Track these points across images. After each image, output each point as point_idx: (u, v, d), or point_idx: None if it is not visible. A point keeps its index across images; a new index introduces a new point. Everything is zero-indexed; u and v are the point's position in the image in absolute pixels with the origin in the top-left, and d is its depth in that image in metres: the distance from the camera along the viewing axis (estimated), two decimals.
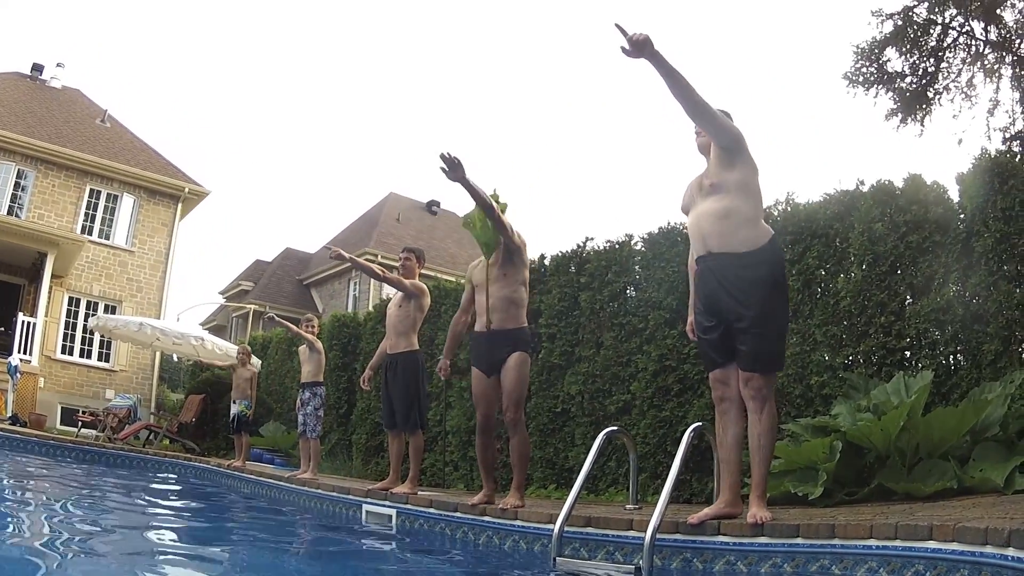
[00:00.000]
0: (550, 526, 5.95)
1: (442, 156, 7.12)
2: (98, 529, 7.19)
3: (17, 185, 28.42)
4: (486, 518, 7.19)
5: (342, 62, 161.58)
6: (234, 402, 15.29)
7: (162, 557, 5.90)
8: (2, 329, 26.57)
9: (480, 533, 7.22)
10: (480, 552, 6.98)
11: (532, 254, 10.77)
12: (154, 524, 8.13)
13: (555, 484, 11.01)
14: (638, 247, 10.88)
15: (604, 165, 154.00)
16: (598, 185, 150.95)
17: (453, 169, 7.19)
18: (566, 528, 5.78)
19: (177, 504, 11.19)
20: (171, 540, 7.12)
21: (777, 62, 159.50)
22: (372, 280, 38.07)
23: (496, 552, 6.85)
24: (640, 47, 5.13)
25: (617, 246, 11.09)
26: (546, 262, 11.96)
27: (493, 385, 7.69)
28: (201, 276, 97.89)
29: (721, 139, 5.64)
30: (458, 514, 7.58)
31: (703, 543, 5.36)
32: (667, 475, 5.58)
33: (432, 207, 49.20)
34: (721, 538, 5.27)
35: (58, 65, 35.87)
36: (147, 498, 11.25)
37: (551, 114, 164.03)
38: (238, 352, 16.17)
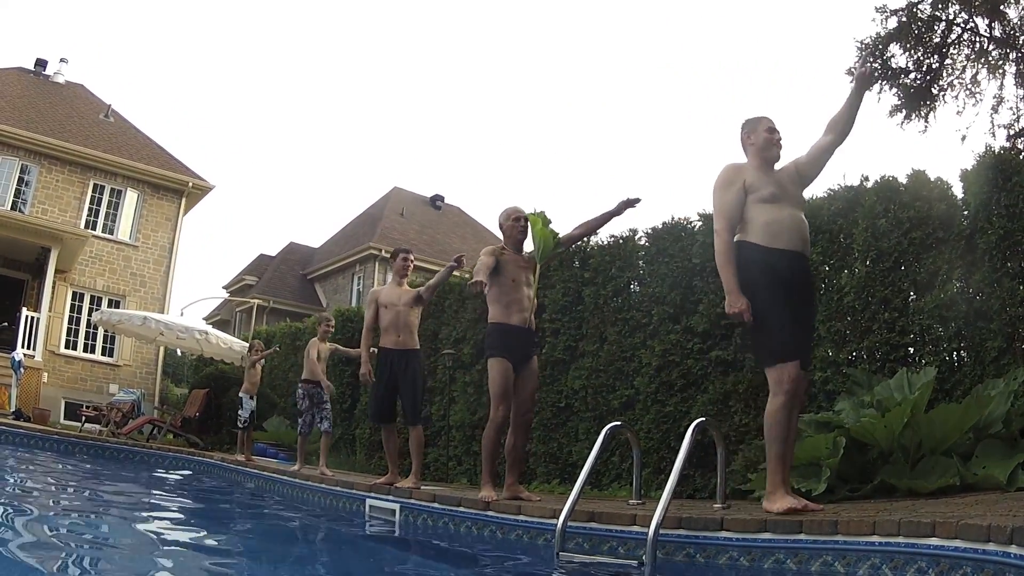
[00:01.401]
0: (553, 521, 5.96)
1: (635, 200, 7.88)
2: (102, 524, 7.22)
3: (20, 180, 28.42)
4: (489, 513, 7.20)
5: (346, 56, 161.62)
6: (250, 397, 15.15)
7: (166, 552, 5.92)
8: (5, 324, 26.58)
9: (483, 528, 7.23)
10: (484, 547, 6.99)
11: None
12: (158, 519, 8.14)
13: (558, 479, 11.03)
14: (642, 242, 10.90)
15: (605, 162, 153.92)
16: (599, 181, 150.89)
17: (625, 208, 7.94)
18: (569, 523, 5.79)
19: (181, 499, 11.21)
20: (175, 535, 7.14)
21: (780, 57, 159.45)
22: (375, 275, 38.14)
23: (500, 547, 6.87)
24: (867, 79, 5.90)
25: (621, 241, 11.11)
26: None
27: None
28: (205, 271, 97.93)
29: (818, 173, 6.13)
30: (461, 509, 7.59)
31: (706, 539, 5.37)
32: (670, 470, 5.60)
33: (436, 202, 49.16)
34: (724, 534, 5.29)
35: (61, 60, 35.88)
36: (151, 493, 11.28)
37: (553, 111, 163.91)
38: (254, 347, 16.00)
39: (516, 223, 8.16)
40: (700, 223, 10.14)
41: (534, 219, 8.05)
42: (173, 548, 6.18)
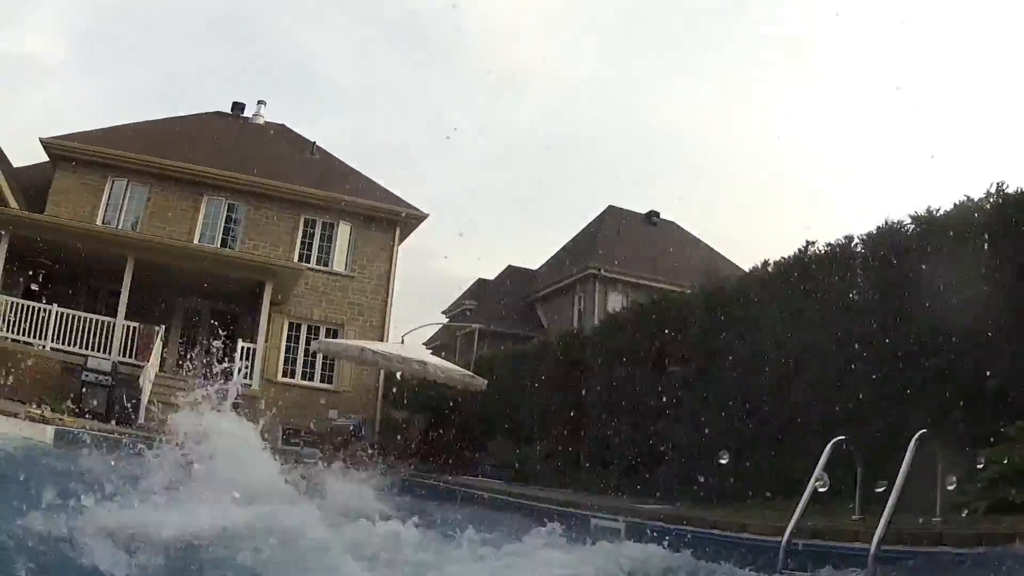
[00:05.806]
0: (777, 538, 6.02)
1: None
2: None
3: (228, 219, 29.74)
4: (715, 531, 7.25)
5: (552, 77, 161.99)
6: None
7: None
8: (218, 345, 27.47)
9: (708, 544, 7.26)
10: (706, 562, 7.02)
11: (756, 260, 10.90)
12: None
13: (782, 495, 10.99)
14: (858, 249, 10.74)
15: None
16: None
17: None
18: (792, 540, 5.82)
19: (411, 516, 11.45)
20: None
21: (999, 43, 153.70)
22: (595, 295, 38.25)
23: (722, 563, 6.89)
24: None
25: (837, 250, 10.97)
26: (769, 269, 11.87)
27: None
28: (424, 296, 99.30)
29: None
30: (685, 525, 7.64)
31: (926, 553, 5.36)
32: (892, 484, 5.59)
33: (652, 218, 48.74)
34: (942, 548, 5.27)
35: (259, 103, 37.18)
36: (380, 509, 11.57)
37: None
38: None
39: None
40: (912, 226, 9.97)
41: None
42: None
